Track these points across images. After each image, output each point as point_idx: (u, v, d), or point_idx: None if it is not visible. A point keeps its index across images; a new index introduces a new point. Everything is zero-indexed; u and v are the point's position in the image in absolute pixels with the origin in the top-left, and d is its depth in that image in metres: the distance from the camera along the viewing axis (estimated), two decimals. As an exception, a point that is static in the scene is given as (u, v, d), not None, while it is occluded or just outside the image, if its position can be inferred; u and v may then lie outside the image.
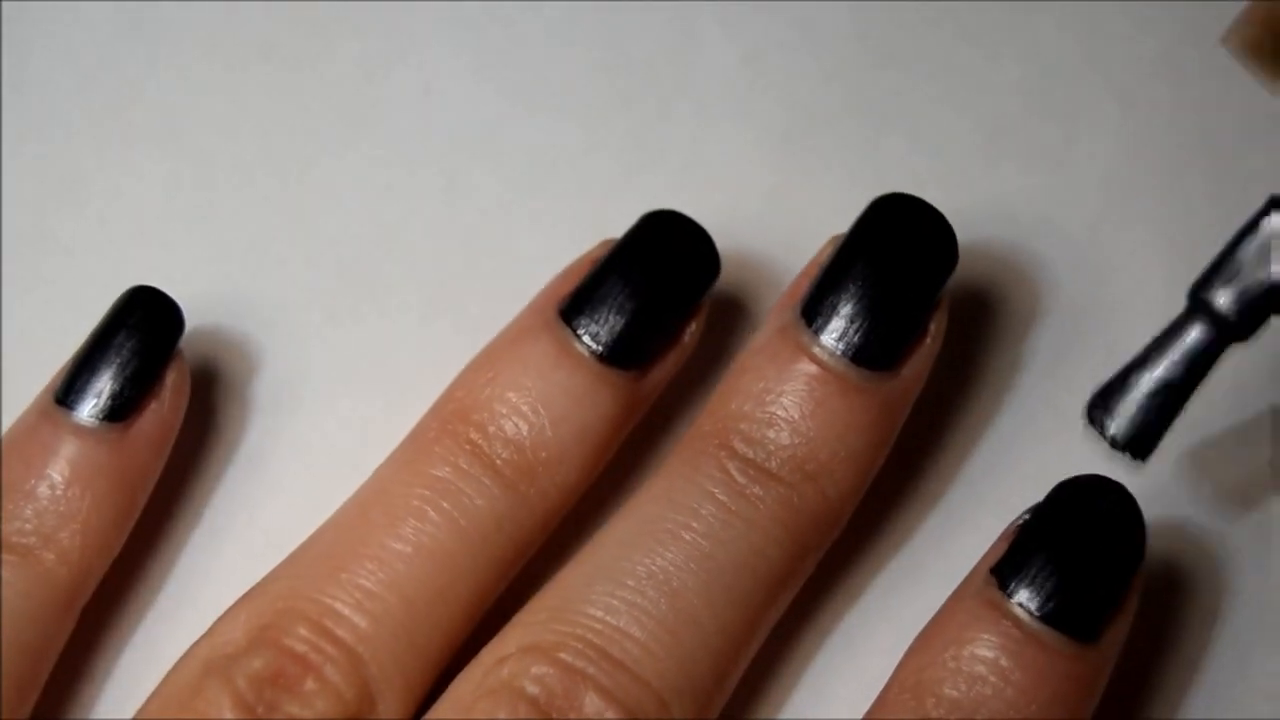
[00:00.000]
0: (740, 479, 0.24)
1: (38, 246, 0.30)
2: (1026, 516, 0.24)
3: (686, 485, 0.24)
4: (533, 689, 0.22)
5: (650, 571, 0.23)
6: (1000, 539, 0.24)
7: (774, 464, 0.24)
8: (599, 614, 0.23)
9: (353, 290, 0.30)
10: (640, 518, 0.24)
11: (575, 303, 0.25)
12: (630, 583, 0.23)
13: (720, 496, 0.24)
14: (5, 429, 0.27)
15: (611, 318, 0.25)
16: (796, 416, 0.24)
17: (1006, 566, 0.23)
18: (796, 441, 0.24)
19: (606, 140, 0.31)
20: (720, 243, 0.27)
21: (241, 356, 0.29)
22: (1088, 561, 0.23)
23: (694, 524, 0.24)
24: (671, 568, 0.23)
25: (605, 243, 0.26)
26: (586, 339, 0.25)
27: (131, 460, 0.26)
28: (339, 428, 0.29)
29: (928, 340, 0.25)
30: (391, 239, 0.30)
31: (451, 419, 0.25)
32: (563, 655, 0.23)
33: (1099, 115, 0.30)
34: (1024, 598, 0.23)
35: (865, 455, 0.25)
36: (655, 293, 0.25)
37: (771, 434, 0.24)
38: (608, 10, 0.31)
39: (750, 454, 0.24)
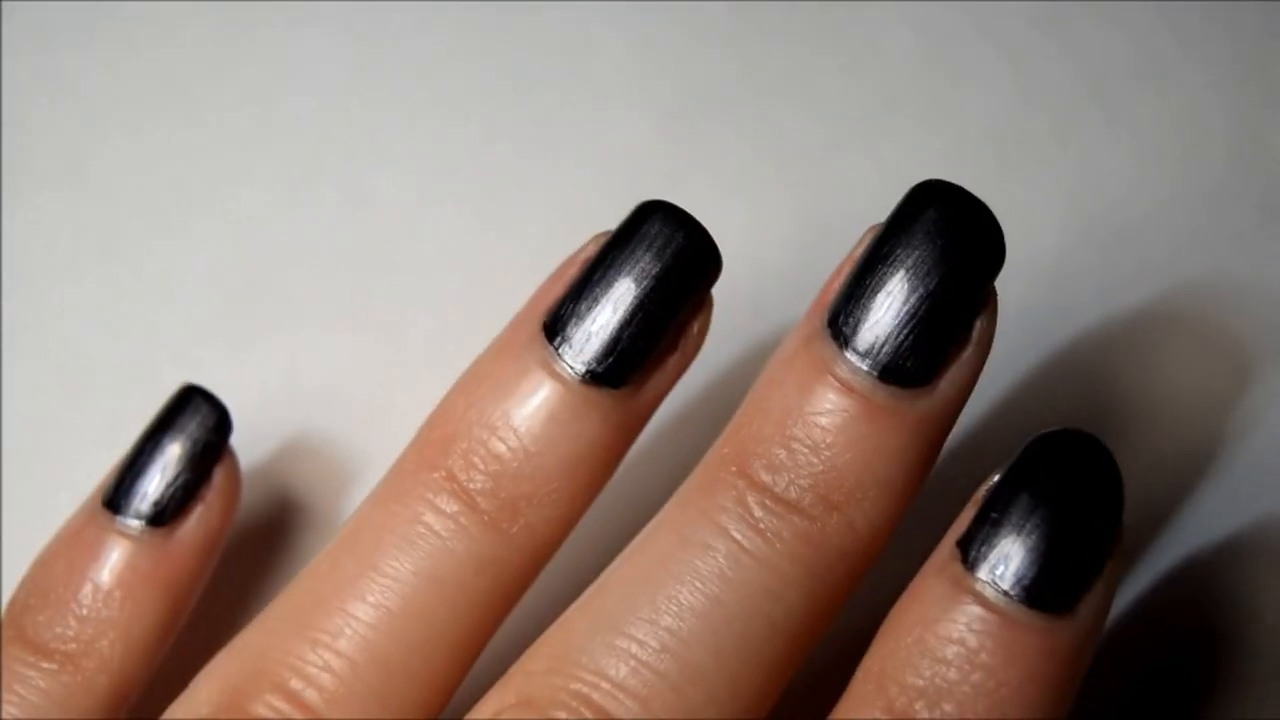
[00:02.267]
0: (758, 512, 0.22)
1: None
2: (995, 478, 0.22)
3: (699, 519, 0.22)
4: None
5: (653, 619, 0.21)
6: (969, 505, 0.22)
7: (794, 493, 0.22)
8: (598, 667, 0.21)
9: (260, 310, 0.31)
10: (648, 557, 0.22)
11: (558, 315, 0.23)
12: (633, 632, 0.21)
13: (734, 533, 0.22)
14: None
15: (596, 332, 0.23)
16: (819, 440, 0.22)
17: (970, 538, 0.21)
18: (819, 469, 0.22)
19: (503, 138, 0.31)
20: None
21: (156, 389, 0.29)
22: (1055, 525, 0.21)
23: (702, 566, 0.22)
24: (677, 616, 0.21)
25: (598, 237, 0.24)
26: (568, 359, 0.23)
27: (175, 566, 0.25)
28: (259, 449, 0.30)
29: (969, 348, 0.22)
30: (297, 258, 0.31)
31: (428, 450, 0.23)
32: (557, 714, 0.21)
33: (988, 74, 0.31)
34: (987, 571, 0.21)
35: (898, 481, 0.22)
36: (644, 300, 0.23)
37: (792, 460, 0.22)
38: (494, 10, 0.32)
39: (770, 481, 0.22)
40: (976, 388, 0.25)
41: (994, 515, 0.21)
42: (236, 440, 0.28)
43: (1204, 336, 0.29)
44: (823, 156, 0.31)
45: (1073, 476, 0.21)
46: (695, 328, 0.24)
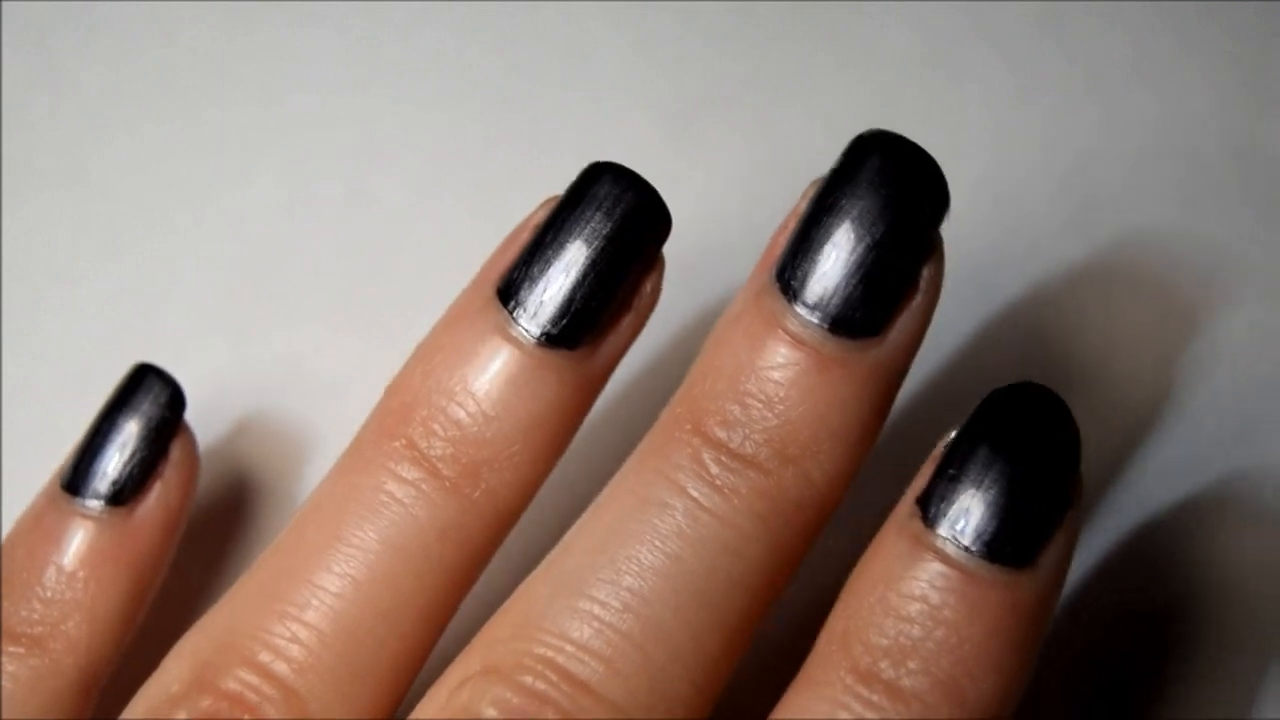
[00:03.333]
0: (713, 469, 0.22)
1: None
2: (952, 434, 0.22)
3: (655, 478, 0.22)
4: (490, 713, 0.21)
5: (614, 580, 0.22)
6: (927, 462, 0.22)
7: (749, 448, 0.22)
8: (561, 630, 0.21)
9: (260, 310, 0.31)
10: (607, 518, 0.22)
11: (511, 279, 0.23)
12: (595, 594, 0.22)
13: (691, 491, 0.22)
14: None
15: (548, 295, 0.23)
16: (772, 395, 0.22)
17: (930, 495, 0.21)
18: (773, 423, 0.22)
19: (503, 138, 0.31)
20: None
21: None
22: (1013, 479, 0.21)
23: (661, 524, 0.22)
24: (638, 575, 0.22)
25: (548, 201, 0.24)
26: (523, 322, 0.23)
27: (138, 544, 0.25)
28: (256, 446, 0.30)
29: (918, 296, 0.22)
30: (297, 257, 0.31)
31: (388, 420, 0.24)
32: (523, 678, 0.21)
33: (988, 73, 0.31)
34: (947, 527, 0.21)
35: (852, 432, 0.22)
36: (596, 260, 0.23)
37: (746, 415, 0.22)
38: (494, 10, 0.32)
39: (725, 438, 0.22)
40: (943, 347, 0.25)
41: (952, 471, 0.21)
42: (235, 439, 0.28)
43: (1197, 329, 0.29)
44: (823, 156, 0.31)
45: (1029, 430, 0.21)
46: (648, 286, 0.24)
